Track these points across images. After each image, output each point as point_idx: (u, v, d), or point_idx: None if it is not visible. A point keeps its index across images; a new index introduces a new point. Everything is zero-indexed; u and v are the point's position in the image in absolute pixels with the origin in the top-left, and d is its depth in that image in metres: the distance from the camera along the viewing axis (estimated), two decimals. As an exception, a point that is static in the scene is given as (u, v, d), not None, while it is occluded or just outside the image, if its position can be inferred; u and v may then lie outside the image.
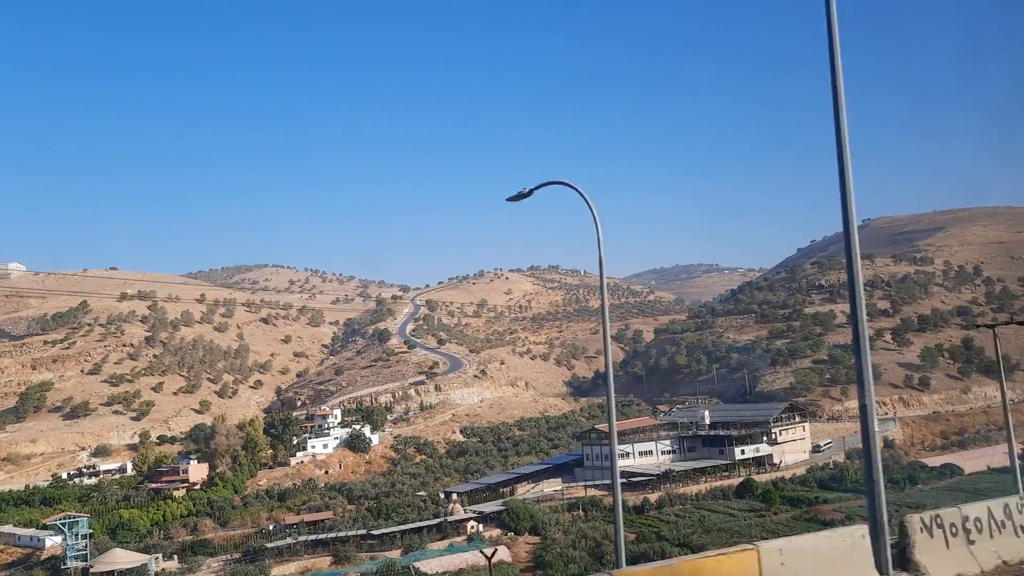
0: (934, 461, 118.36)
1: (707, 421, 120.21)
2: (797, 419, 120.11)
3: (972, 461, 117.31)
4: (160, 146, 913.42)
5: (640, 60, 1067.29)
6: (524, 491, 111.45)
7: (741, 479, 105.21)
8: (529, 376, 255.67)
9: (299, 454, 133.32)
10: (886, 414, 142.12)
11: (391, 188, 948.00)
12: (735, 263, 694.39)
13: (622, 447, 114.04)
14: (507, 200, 17.78)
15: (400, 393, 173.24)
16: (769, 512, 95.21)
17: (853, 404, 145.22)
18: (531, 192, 17.56)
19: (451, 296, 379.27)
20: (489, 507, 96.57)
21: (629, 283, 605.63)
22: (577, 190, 16.27)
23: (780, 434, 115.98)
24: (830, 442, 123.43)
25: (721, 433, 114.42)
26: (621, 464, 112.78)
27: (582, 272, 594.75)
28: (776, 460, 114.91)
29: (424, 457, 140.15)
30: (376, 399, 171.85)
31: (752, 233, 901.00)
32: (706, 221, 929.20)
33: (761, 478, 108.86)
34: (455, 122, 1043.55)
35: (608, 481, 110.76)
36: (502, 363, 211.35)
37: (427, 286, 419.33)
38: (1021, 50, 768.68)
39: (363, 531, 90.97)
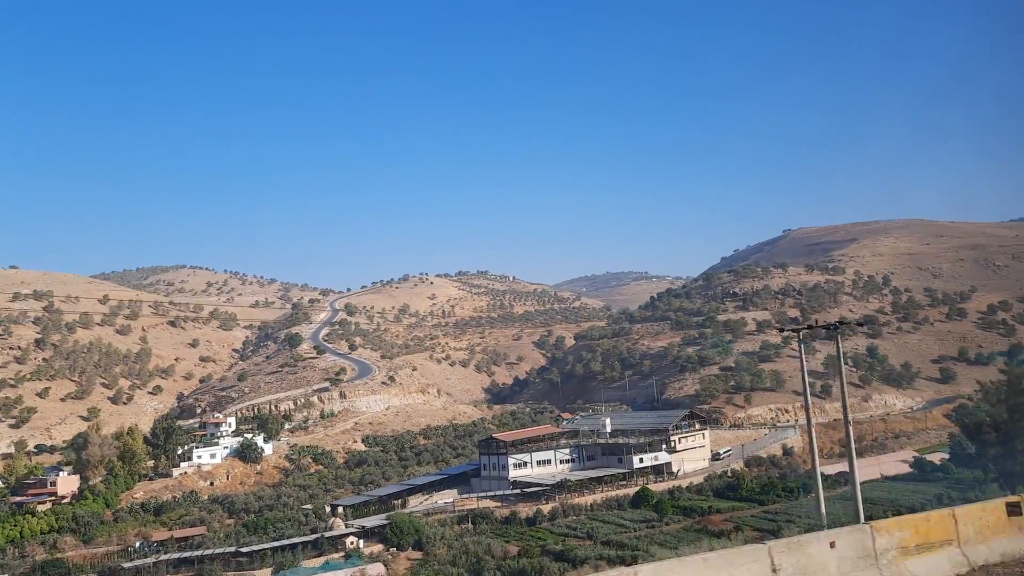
0: (830, 469, 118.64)
1: (608, 429, 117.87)
2: (697, 426, 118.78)
3: (867, 469, 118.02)
4: (85, 145, 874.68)
5: (571, 63, 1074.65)
6: (417, 503, 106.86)
7: (638, 488, 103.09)
8: (446, 383, 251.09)
9: (184, 464, 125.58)
10: (787, 421, 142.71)
11: (321, 193, 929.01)
12: (664, 271, 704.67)
13: (520, 456, 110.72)
14: None
15: (302, 400, 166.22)
16: (661, 523, 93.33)
17: (756, 411, 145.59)
18: None
19: (372, 301, 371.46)
20: (372, 521, 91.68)
21: (559, 290, 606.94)
22: None
23: (679, 442, 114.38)
24: (730, 449, 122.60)
25: (620, 441, 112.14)
26: (518, 474, 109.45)
27: (511, 278, 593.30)
28: (675, 468, 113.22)
29: (320, 467, 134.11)
30: (276, 406, 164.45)
31: (681, 242, 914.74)
32: (639, 230, 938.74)
33: (658, 487, 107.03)
34: (386, 128, 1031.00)
35: (505, 492, 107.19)
36: (414, 369, 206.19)
37: (348, 290, 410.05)
38: (942, 69, 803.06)
39: (233, 548, 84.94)
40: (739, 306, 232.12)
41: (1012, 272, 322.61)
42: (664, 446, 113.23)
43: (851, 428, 36.91)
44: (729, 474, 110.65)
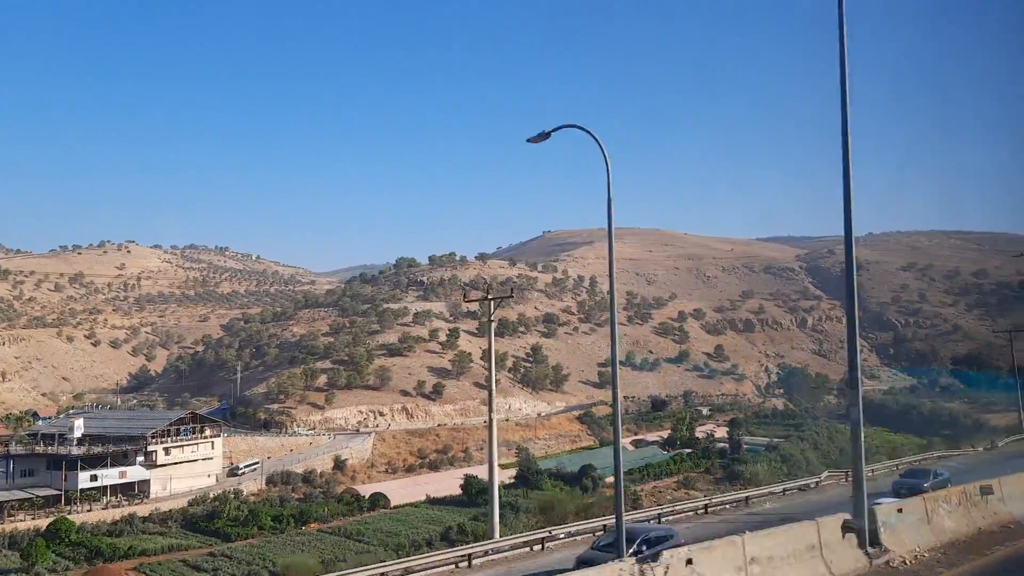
0: (371, 488, 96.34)
1: (77, 434, 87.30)
2: (208, 433, 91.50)
3: (416, 488, 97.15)
4: None
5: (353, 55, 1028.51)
6: None
7: (56, 518, 73.68)
8: (72, 365, 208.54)
9: None
10: (377, 426, 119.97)
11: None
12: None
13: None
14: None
15: None
16: (32, 571, 64.18)
17: (339, 413, 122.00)
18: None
19: (43, 265, 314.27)
20: None
21: (327, 278, 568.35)
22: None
23: (166, 453, 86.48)
24: (257, 463, 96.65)
25: (60, 452, 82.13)
26: None
27: (254, 257, 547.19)
28: (159, 488, 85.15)
29: None
30: None
31: (465, 236, 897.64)
32: (426, 222, 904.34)
33: (107, 514, 78.38)
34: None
35: None
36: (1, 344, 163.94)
37: (17, 251, 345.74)
38: (684, 86, 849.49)
39: None
40: (420, 295, 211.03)
41: (719, 283, 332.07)
42: (141, 458, 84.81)
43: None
44: (225, 497, 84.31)
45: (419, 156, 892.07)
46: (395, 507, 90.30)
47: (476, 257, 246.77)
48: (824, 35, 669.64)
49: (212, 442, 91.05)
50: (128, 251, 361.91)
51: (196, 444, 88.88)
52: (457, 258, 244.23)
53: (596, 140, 17.94)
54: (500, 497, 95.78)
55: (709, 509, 40.83)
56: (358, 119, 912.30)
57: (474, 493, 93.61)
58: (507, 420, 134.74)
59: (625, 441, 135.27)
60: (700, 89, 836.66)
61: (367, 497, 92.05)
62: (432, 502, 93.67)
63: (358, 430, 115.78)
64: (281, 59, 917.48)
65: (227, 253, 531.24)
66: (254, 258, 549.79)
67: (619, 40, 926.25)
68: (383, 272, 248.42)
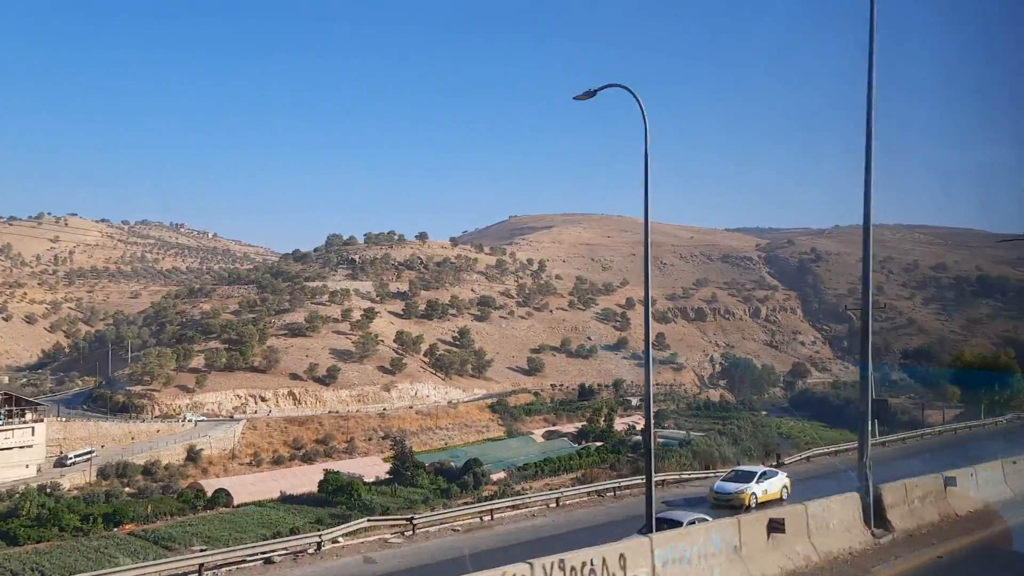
0: (223, 483, 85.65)
1: None
2: (29, 418, 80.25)
3: (274, 483, 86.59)
4: None
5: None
6: None
7: None
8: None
9: None
10: (255, 412, 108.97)
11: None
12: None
13: None
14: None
15: None
16: None
17: (212, 397, 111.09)
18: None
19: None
20: None
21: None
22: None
23: (-30, 439, 75.19)
24: (91, 451, 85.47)
25: None
26: None
27: (210, 234, 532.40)
28: (-40, 479, 73.84)
29: None
30: None
31: (440, 219, 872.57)
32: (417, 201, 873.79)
33: None
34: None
35: None
36: None
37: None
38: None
39: None
40: (350, 274, 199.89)
41: (674, 271, 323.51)
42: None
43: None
44: (34, 492, 73.28)
45: (398, 136, 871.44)
46: (239, 505, 79.65)
47: (416, 236, 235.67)
48: (790, 25, 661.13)
49: (32, 427, 79.78)
50: (66, 224, 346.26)
51: (11, 430, 77.60)
52: (395, 237, 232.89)
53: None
54: (363, 494, 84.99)
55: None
56: (335, 96, 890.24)
57: (331, 491, 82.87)
58: (410, 407, 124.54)
59: (537, 432, 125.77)
60: (673, 80, 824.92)
61: (208, 494, 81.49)
62: (285, 500, 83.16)
63: (232, 416, 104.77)
64: (271, 40, 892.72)
65: (182, 231, 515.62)
66: (210, 236, 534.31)
67: (602, 22, 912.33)
68: (316, 250, 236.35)
